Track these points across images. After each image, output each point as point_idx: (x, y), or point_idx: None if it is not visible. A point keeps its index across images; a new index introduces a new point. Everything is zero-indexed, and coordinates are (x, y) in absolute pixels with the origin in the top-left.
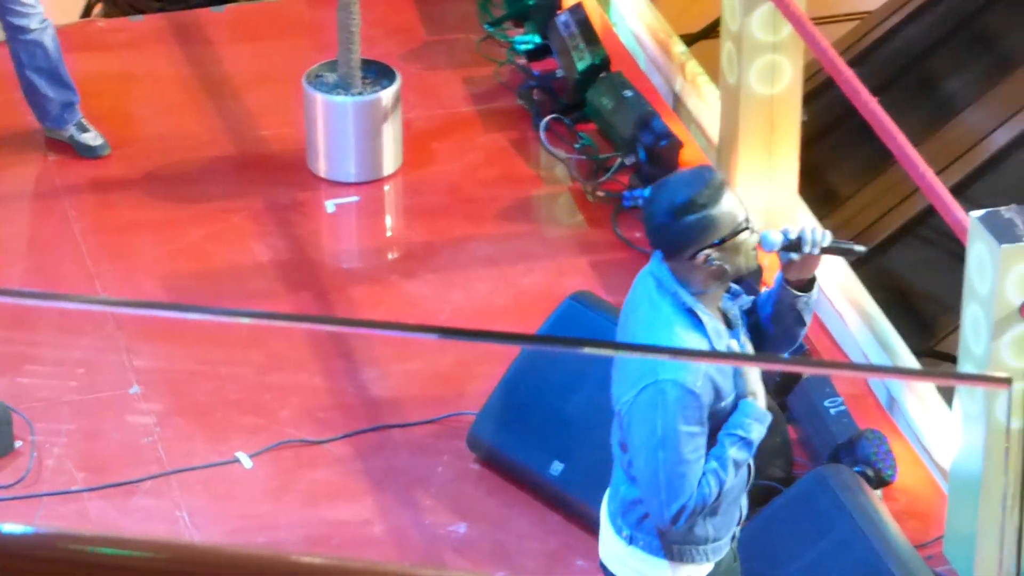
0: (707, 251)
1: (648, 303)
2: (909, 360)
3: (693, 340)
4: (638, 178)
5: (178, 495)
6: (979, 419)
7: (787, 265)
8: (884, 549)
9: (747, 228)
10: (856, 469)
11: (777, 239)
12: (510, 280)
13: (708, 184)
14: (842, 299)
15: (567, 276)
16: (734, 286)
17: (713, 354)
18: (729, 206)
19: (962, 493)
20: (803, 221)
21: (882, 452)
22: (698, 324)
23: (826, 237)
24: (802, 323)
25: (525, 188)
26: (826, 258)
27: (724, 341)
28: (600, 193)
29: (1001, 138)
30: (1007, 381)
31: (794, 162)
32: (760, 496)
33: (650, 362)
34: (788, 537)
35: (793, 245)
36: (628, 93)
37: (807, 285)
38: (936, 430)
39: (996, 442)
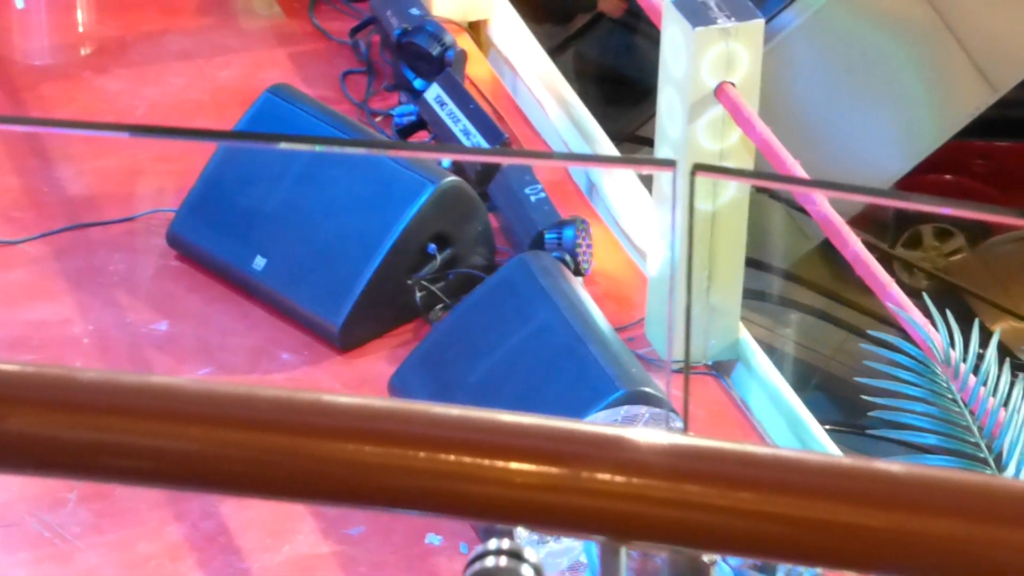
0: None
1: None
2: (608, 146)
3: None
4: None
5: None
6: (673, 202)
7: None
8: (586, 332)
9: None
10: (554, 255)
11: None
12: (206, 74)
13: None
14: (540, 87)
15: (265, 69)
16: None
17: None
18: None
19: (660, 277)
20: None
21: (585, 243)
22: None
23: None
24: None
25: None
26: (520, 41)
27: None
28: None
29: None
30: (672, 163)
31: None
32: (462, 285)
33: None
34: (491, 324)
35: None
36: None
37: None
38: (635, 215)
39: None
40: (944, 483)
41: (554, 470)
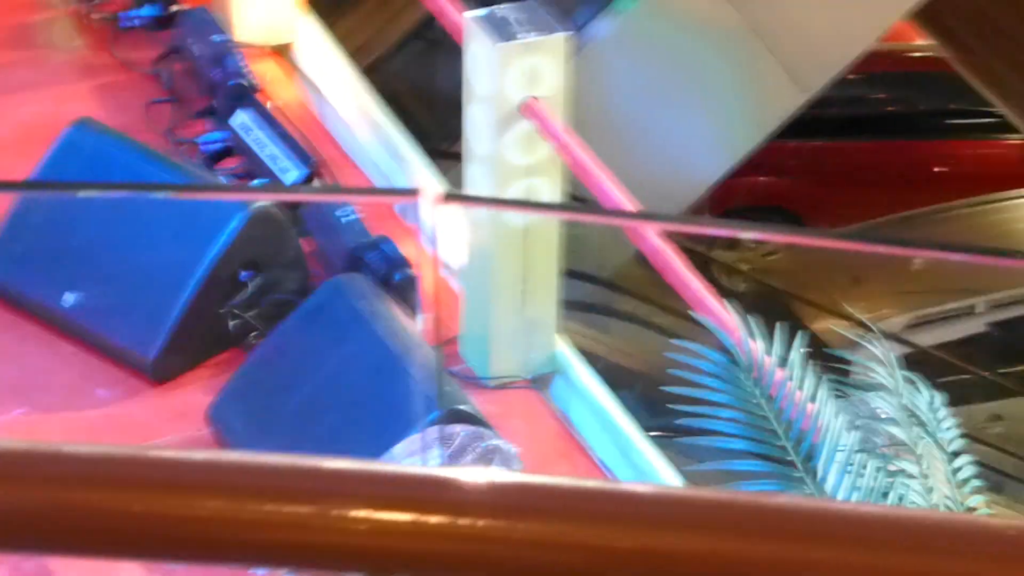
0: None
1: None
2: (419, 166)
3: None
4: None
5: None
6: (486, 221)
7: None
8: (402, 353)
9: None
10: (397, 277)
11: None
12: (9, 111)
13: None
14: (349, 109)
15: (69, 102)
16: None
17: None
18: None
19: (474, 293)
20: None
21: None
22: None
23: None
24: None
25: (21, 14)
26: (326, 64)
27: None
28: (96, 16)
29: None
30: (416, 193)
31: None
32: (277, 311)
33: None
34: (307, 350)
35: None
36: None
37: None
38: (447, 232)
39: (504, 243)
40: (689, 501)
41: (304, 509)
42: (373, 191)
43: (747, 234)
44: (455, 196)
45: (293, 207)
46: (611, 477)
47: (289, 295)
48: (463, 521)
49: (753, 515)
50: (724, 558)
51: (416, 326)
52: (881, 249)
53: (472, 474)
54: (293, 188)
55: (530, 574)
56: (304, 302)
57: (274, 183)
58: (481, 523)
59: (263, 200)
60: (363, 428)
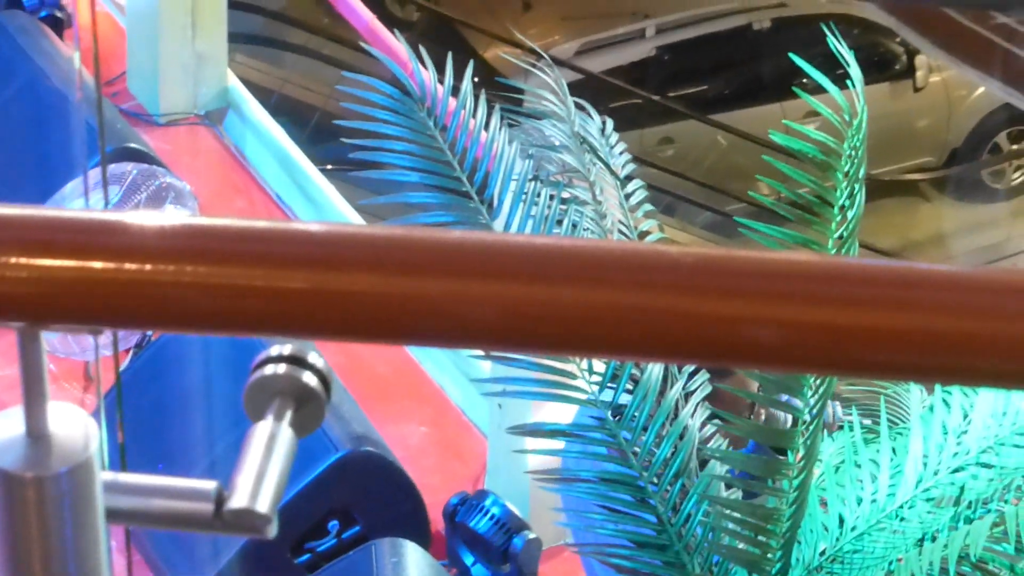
0: None
1: None
2: None
3: None
4: None
5: None
6: None
7: None
8: (66, 90)
9: None
10: (45, 13)
11: None
12: None
13: None
14: None
15: None
16: None
17: None
18: None
19: (140, 27)
20: None
21: None
22: None
23: None
24: None
25: None
26: None
27: None
28: None
29: None
30: None
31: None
32: None
33: None
34: None
35: None
36: None
37: None
38: None
39: None
40: (362, 240)
41: None
42: None
43: None
44: None
45: None
46: (287, 212)
47: None
48: (130, 266)
49: (426, 251)
50: (399, 295)
51: (77, 63)
52: None
53: (139, 217)
54: None
55: (201, 320)
56: None
57: None
58: (148, 268)
59: None
60: (29, 169)
